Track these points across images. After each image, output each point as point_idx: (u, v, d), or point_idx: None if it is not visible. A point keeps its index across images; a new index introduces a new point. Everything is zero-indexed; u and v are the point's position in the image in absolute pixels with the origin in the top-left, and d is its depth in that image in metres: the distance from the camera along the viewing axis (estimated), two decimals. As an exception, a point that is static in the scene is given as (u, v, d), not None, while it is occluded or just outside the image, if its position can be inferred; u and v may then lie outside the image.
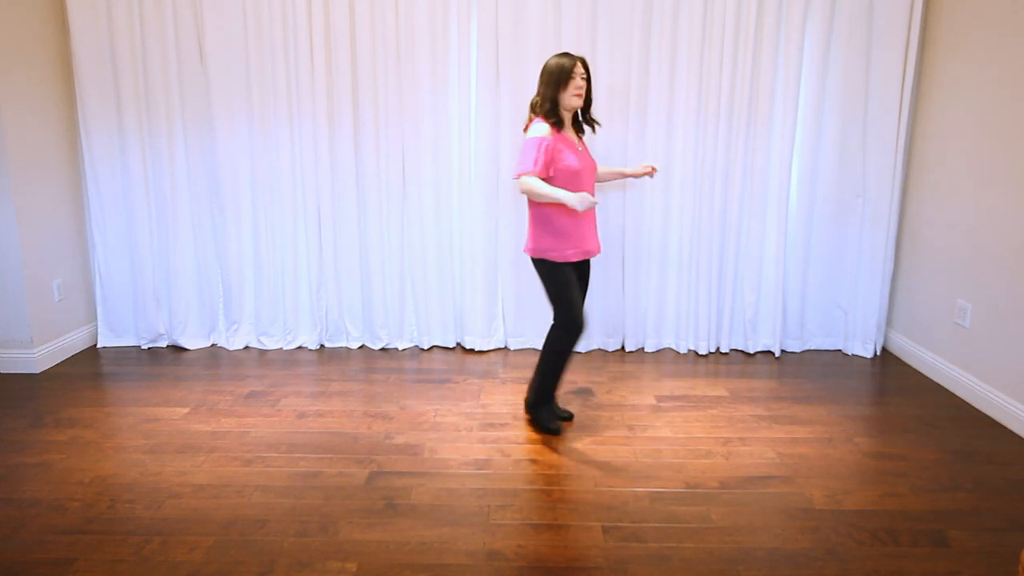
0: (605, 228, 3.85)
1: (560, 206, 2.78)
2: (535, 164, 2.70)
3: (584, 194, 2.59)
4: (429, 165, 3.81)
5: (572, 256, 2.83)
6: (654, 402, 3.31)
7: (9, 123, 3.40)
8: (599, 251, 2.99)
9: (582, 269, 3.02)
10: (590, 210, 2.91)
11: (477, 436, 2.94)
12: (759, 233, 3.86)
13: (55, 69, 3.72)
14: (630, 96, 3.72)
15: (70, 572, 2.07)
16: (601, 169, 3.15)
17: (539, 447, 2.85)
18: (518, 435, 2.95)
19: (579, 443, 2.88)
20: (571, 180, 2.79)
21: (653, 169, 3.11)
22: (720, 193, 3.80)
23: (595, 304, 3.98)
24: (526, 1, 3.63)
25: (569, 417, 3.10)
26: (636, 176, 3.17)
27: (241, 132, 3.79)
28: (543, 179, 2.74)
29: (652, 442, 2.90)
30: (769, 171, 3.80)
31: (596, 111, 3.71)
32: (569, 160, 2.77)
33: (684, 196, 3.82)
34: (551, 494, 2.50)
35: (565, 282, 2.82)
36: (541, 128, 2.77)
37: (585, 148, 2.94)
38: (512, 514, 2.37)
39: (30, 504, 2.42)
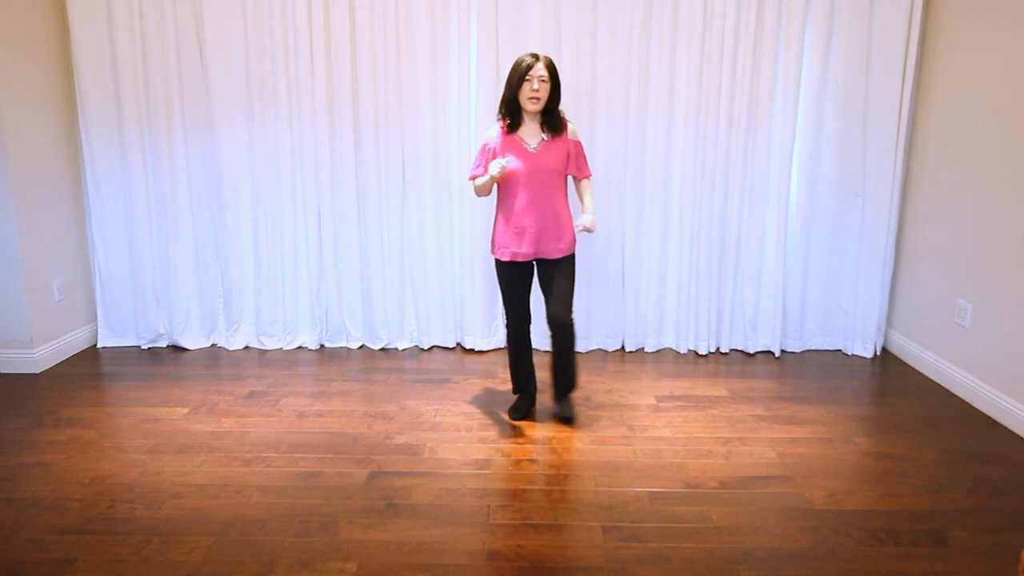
0: (605, 228, 3.85)
1: (503, 205, 2.92)
2: (475, 168, 2.92)
3: (502, 165, 2.73)
4: (429, 165, 3.81)
5: (500, 255, 2.93)
6: (654, 402, 3.31)
7: (9, 123, 3.40)
8: (546, 255, 2.88)
9: (538, 270, 2.97)
10: (536, 215, 2.83)
11: (477, 436, 2.94)
12: (759, 233, 3.86)
13: (55, 69, 3.72)
14: (630, 96, 3.72)
15: (70, 572, 2.07)
16: (583, 187, 2.99)
17: (539, 447, 2.85)
18: (518, 435, 2.95)
19: (579, 443, 2.88)
20: (506, 183, 2.89)
21: (581, 227, 2.85)
22: (720, 193, 3.81)
23: (595, 304, 3.98)
24: (526, 1, 3.63)
25: (524, 416, 3.11)
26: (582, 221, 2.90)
27: (241, 132, 3.79)
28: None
29: (652, 442, 2.90)
30: (769, 171, 3.80)
31: (596, 111, 3.72)
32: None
33: (684, 196, 3.81)
34: (551, 494, 2.50)
35: (500, 282, 3.00)
36: (490, 131, 2.94)
37: (545, 149, 2.85)
38: (512, 514, 2.37)
39: (30, 504, 2.42)
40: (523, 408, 3.14)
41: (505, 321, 3.07)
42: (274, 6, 3.63)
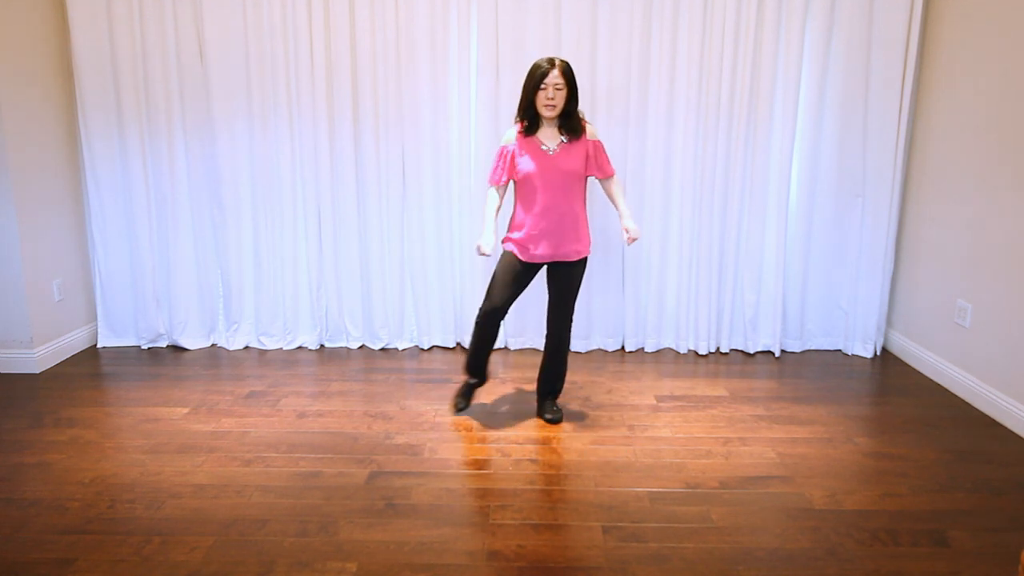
0: (606, 228, 3.84)
1: (520, 207, 2.91)
2: (494, 174, 2.91)
3: (482, 245, 2.80)
4: (429, 165, 3.81)
5: (519, 254, 2.91)
6: (654, 402, 3.31)
7: (9, 123, 3.40)
8: (564, 257, 2.89)
9: (551, 271, 2.96)
10: (554, 217, 2.83)
11: (477, 436, 2.94)
12: (759, 233, 3.86)
13: (55, 69, 3.72)
14: (630, 96, 3.72)
15: (70, 572, 2.07)
16: (612, 187, 2.98)
17: (539, 447, 2.85)
18: (518, 435, 2.95)
19: (579, 443, 2.89)
20: (524, 185, 2.87)
21: (630, 239, 2.90)
22: (720, 193, 3.81)
23: (595, 304, 3.98)
24: (526, 1, 3.63)
25: (468, 406, 3.15)
26: (624, 229, 2.93)
27: (241, 132, 3.79)
28: (510, 181, 2.91)
29: (652, 442, 2.90)
30: (769, 171, 3.80)
31: (596, 111, 3.72)
32: (522, 166, 2.83)
33: (684, 196, 3.82)
34: (551, 494, 2.50)
35: (499, 269, 2.94)
36: (508, 134, 2.91)
37: (564, 152, 2.83)
38: (512, 514, 2.37)
39: (30, 504, 2.42)
40: (469, 396, 3.18)
41: (482, 306, 2.96)
42: (274, 6, 3.63)
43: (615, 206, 3.00)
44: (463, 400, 3.18)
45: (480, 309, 2.99)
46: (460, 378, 3.59)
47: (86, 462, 2.71)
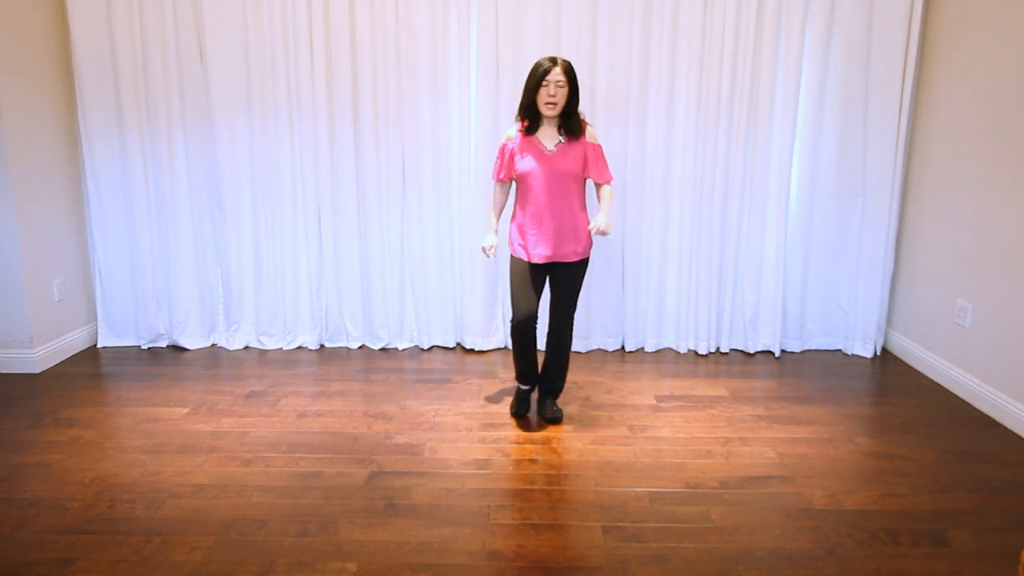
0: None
1: (520, 206, 2.93)
2: (496, 171, 2.97)
3: (485, 246, 2.93)
4: (429, 165, 3.81)
5: (519, 254, 2.93)
6: (654, 402, 3.31)
7: (9, 123, 3.40)
8: (564, 258, 2.89)
9: (552, 271, 2.97)
10: (553, 218, 2.84)
11: (477, 436, 2.94)
12: (759, 233, 3.86)
13: (55, 69, 3.72)
14: (630, 96, 3.72)
15: (70, 572, 2.07)
16: (604, 191, 2.94)
17: (539, 447, 2.85)
18: (518, 435, 2.95)
19: (579, 443, 2.89)
20: (523, 184, 2.89)
21: (597, 229, 2.75)
22: (720, 193, 3.81)
23: (595, 304, 3.98)
24: (526, 2, 3.63)
25: (527, 412, 3.14)
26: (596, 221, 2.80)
27: (241, 132, 3.79)
28: (510, 179, 2.96)
29: (652, 442, 2.90)
30: (769, 171, 3.80)
31: (596, 111, 3.72)
32: (519, 165, 2.86)
33: (684, 196, 3.82)
34: (551, 494, 2.50)
35: (512, 277, 2.96)
36: (509, 131, 2.93)
37: (562, 152, 2.83)
38: (512, 514, 2.37)
39: (30, 504, 2.42)
40: (526, 401, 3.13)
41: (511, 317, 2.97)
42: (274, 6, 3.63)
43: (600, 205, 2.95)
44: (521, 406, 3.14)
45: (510, 321, 2.98)
46: (460, 378, 3.59)
47: (86, 462, 2.71)
